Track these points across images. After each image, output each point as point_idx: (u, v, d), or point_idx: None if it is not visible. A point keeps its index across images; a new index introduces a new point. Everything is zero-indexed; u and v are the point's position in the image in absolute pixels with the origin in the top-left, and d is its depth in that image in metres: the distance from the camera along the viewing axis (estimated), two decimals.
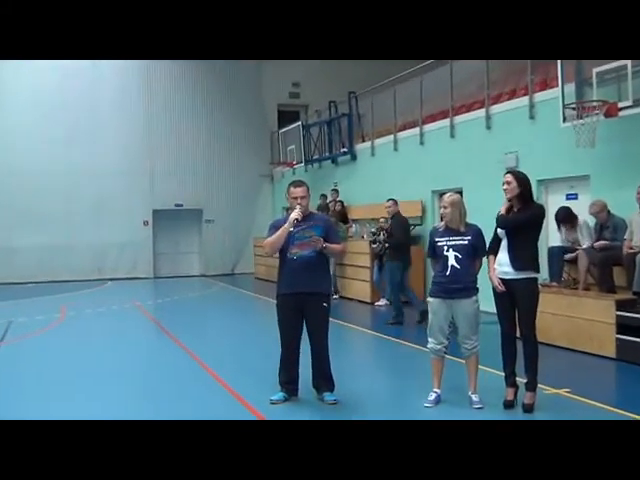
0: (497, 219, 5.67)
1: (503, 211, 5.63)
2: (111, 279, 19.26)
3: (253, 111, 21.34)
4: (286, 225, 5.71)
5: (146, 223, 20.35)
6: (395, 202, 10.67)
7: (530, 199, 5.65)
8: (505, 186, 5.59)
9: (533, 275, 5.56)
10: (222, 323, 11.23)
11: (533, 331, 5.52)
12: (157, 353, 8.78)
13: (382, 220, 12.82)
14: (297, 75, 21.00)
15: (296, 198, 5.81)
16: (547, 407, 5.50)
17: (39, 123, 18.91)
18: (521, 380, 5.64)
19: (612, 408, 5.49)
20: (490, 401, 5.62)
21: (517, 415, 5.37)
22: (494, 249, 5.68)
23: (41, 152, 18.84)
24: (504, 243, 5.59)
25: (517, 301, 5.52)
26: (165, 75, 20.15)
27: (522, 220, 5.52)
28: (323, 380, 5.91)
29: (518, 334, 5.60)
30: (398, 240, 10.38)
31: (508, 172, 5.76)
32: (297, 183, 5.94)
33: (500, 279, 5.55)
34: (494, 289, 5.63)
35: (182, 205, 20.66)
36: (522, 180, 5.60)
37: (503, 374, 5.70)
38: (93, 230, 19.38)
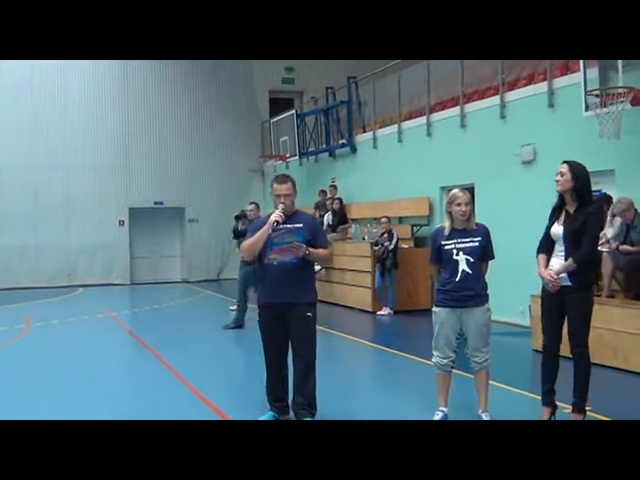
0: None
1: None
2: (82, 286, 19.32)
3: (242, 98, 21.45)
4: (265, 227, 5.58)
5: (122, 223, 20.41)
6: (257, 205, 11.54)
7: (588, 197, 5.47)
8: (557, 177, 5.46)
9: (588, 286, 5.55)
10: (205, 335, 11.26)
11: (586, 348, 5.47)
12: (132, 368, 8.81)
13: (384, 220, 12.94)
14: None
15: (279, 196, 5.67)
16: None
17: (2, 113, 18.99)
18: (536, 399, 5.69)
19: None
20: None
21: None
22: (545, 248, 5.61)
23: (3, 144, 18.91)
24: (560, 248, 5.51)
25: (568, 312, 5.47)
26: (142, 61, 20.19)
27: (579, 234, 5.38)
28: (305, 402, 5.73)
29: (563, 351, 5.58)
30: None
31: (564, 162, 5.55)
32: (281, 179, 5.79)
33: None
34: (543, 297, 5.64)
35: (162, 203, 20.72)
36: (578, 174, 5.39)
37: (540, 392, 5.70)
38: (62, 231, 19.50)
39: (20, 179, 19.07)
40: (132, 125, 20.42)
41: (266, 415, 5.85)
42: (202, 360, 9.07)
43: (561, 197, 5.56)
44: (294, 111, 18.78)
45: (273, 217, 5.56)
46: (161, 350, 9.46)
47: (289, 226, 5.68)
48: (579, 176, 5.39)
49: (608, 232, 8.38)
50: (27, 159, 19.10)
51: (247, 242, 5.76)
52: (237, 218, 11.53)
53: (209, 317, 13.83)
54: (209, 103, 21.08)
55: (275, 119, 19.92)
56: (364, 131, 16.24)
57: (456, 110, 12.65)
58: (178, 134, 20.85)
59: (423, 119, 13.66)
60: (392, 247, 12.69)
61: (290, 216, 5.69)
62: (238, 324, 11.29)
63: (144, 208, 20.45)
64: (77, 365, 8.80)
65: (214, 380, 7.73)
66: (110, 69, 19.94)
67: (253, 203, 11.57)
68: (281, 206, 5.62)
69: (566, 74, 10.31)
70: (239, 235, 11.50)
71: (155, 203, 20.61)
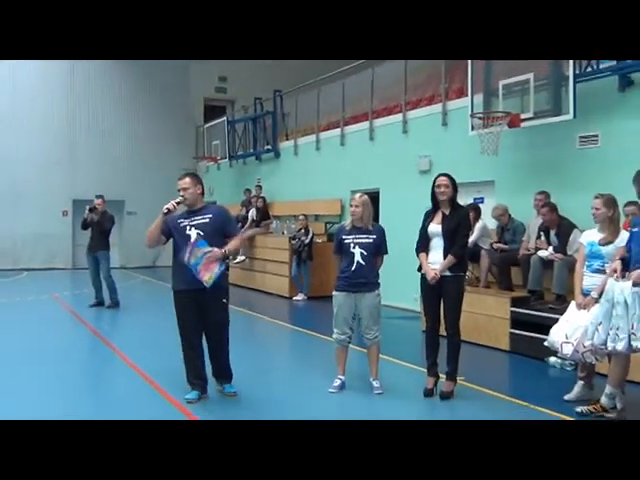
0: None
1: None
2: (27, 269, 19.01)
3: (179, 104, 21.35)
4: (159, 216, 5.66)
5: (65, 213, 20.16)
6: (104, 199, 11.95)
7: (456, 200, 6.01)
8: (442, 189, 5.87)
9: (462, 274, 6.04)
10: (140, 315, 11.38)
11: (458, 329, 5.95)
12: (74, 344, 8.86)
13: (302, 217, 13.31)
14: (224, 70, 21.11)
15: (179, 190, 5.73)
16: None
17: None
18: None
19: (501, 395, 6.14)
20: (393, 388, 6.16)
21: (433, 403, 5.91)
22: (424, 246, 6.01)
23: None
24: (437, 244, 5.91)
25: (444, 299, 5.92)
26: (89, 63, 19.94)
27: (457, 229, 5.85)
28: (222, 368, 5.97)
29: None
30: (107, 233, 11.80)
31: (442, 175, 5.98)
32: (182, 175, 5.86)
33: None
34: (422, 286, 6.04)
35: (103, 196, 20.41)
36: (455, 184, 5.94)
37: (425, 365, 6.16)
38: (8, 219, 19.08)
39: None
40: (77, 123, 20.13)
41: (191, 394, 5.77)
42: (138, 335, 9.29)
43: (435, 202, 6.00)
44: (226, 118, 18.94)
45: (165, 206, 5.56)
46: (100, 326, 9.73)
47: (199, 218, 5.69)
48: (455, 186, 5.95)
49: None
50: None
51: (147, 231, 5.79)
52: (91, 210, 11.70)
53: (143, 298, 13.91)
54: (149, 106, 20.92)
55: (208, 124, 20.01)
56: (287, 139, 16.50)
57: (366, 124, 13.09)
58: (120, 133, 20.67)
59: (338, 131, 14.03)
60: (308, 241, 13.08)
61: (198, 210, 5.76)
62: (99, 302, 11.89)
63: (87, 200, 20.02)
64: (21, 341, 8.88)
65: (150, 355, 7.94)
66: (58, 69, 19.56)
67: (100, 197, 11.87)
68: (179, 198, 5.70)
69: (461, 97, 10.68)
70: (86, 226, 11.78)
71: (96, 196, 20.28)
